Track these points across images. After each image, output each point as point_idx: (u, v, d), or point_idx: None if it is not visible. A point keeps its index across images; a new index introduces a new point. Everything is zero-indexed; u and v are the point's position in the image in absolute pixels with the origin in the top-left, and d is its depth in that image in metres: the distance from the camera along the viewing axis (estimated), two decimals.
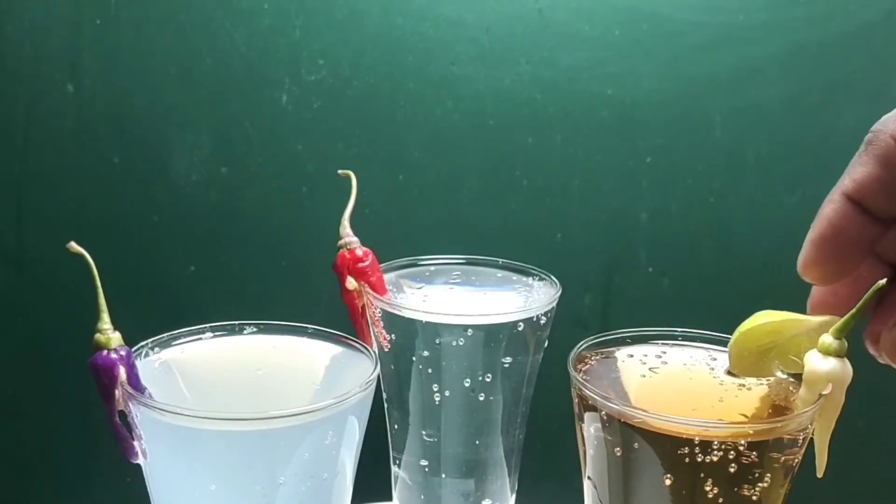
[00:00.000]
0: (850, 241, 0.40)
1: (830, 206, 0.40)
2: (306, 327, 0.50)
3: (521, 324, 0.53)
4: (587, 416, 0.46)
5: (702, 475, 0.42)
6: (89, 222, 0.75)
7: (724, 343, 0.50)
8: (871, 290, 0.39)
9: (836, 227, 0.40)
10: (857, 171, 0.39)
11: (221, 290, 0.77)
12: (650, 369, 0.50)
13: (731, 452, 0.42)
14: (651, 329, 0.51)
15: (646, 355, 0.51)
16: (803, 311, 0.44)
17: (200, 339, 0.49)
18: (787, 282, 0.77)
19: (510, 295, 0.59)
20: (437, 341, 0.52)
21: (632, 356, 0.51)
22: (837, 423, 0.43)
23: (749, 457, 0.42)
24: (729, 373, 0.47)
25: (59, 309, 0.76)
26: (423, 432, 0.55)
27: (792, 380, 0.46)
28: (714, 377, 0.49)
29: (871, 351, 0.41)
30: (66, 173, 0.74)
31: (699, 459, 0.42)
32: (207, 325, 0.49)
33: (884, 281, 0.39)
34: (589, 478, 0.48)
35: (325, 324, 0.50)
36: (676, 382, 0.49)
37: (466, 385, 0.53)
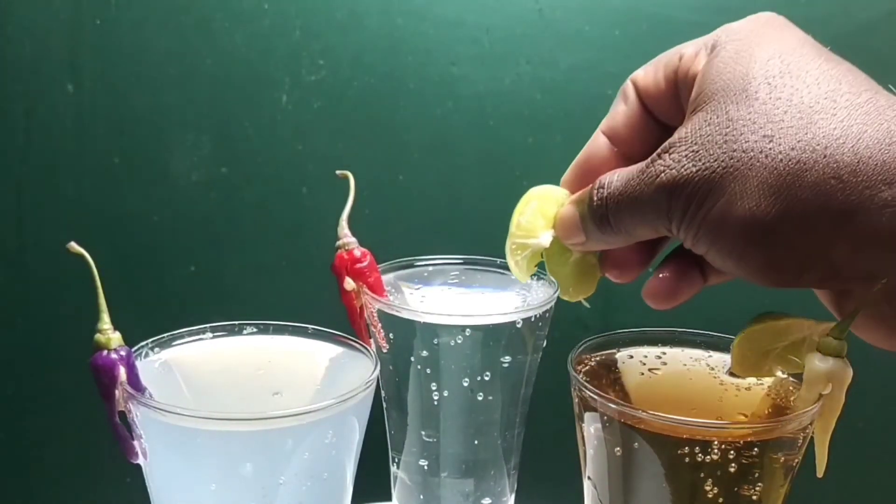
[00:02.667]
0: (595, 169, 0.47)
1: (590, 139, 0.49)
2: (306, 327, 0.50)
3: (519, 323, 0.53)
4: (587, 416, 0.46)
5: (702, 475, 0.42)
6: (89, 222, 0.75)
7: (723, 343, 0.50)
8: (871, 291, 0.39)
9: (587, 154, 0.49)
10: (610, 109, 0.48)
11: (221, 290, 0.77)
12: (650, 370, 0.50)
13: (731, 452, 0.42)
14: (651, 329, 0.51)
15: (646, 356, 0.51)
16: (804, 312, 0.44)
17: (200, 339, 0.49)
18: None
19: (508, 295, 0.59)
20: (436, 341, 0.52)
21: (632, 356, 0.51)
22: (837, 423, 0.43)
23: (749, 457, 0.42)
24: (730, 373, 0.47)
25: (59, 309, 0.76)
26: (422, 432, 0.55)
27: (792, 380, 0.46)
28: (714, 377, 0.49)
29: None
30: (66, 173, 0.74)
31: (699, 459, 0.42)
32: (207, 325, 0.49)
33: (884, 280, 0.39)
34: (589, 478, 0.48)
35: (325, 324, 0.50)
36: (676, 382, 0.49)
37: (465, 385, 0.53)
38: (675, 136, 0.41)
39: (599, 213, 0.44)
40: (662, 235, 0.44)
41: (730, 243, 0.39)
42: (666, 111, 0.46)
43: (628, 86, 0.48)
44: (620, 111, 0.48)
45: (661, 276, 0.48)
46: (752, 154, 0.38)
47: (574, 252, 0.51)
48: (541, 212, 0.50)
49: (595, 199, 0.45)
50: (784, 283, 0.40)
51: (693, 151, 0.40)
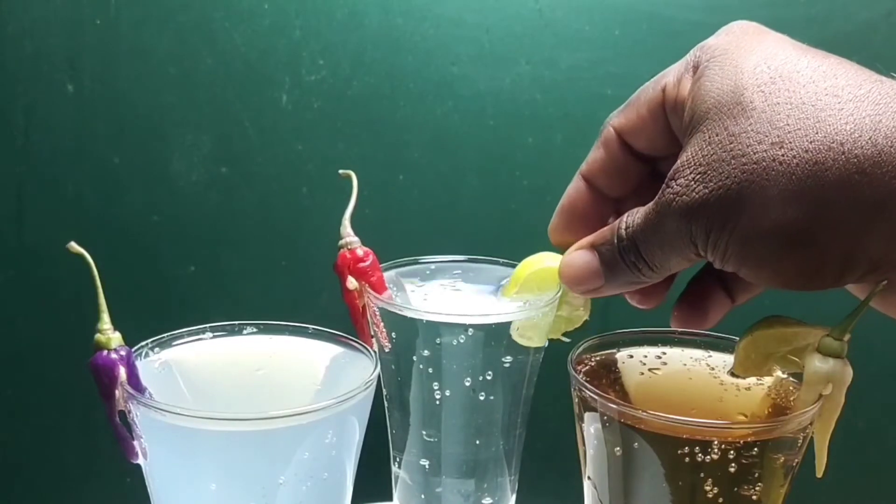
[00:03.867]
0: (582, 213, 0.49)
1: (571, 184, 0.49)
2: (306, 327, 0.50)
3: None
4: (587, 416, 0.46)
5: (702, 475, 0.42)
6: (89, 222, 0.75)
7: (723, 344, 0.50)
8: (871, 292, 0.39)
9: (572, 200, 0.49)
10: (589, 155, 0.48)
11: (221, 290, 0.77)
12: (650, 369, 0.50)
13: (731, 452, 0.42)
14: (651, 329, 0.51)
15: (646, 355, 0.51)
16: (804, 312, 0.44)
17: (200, 339, 0.49)
18: None
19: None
20: (438, 341, 0.52)
21: (632, 356, 0.51)
22: (837, 424, 0.43)
23: (749, 457, 0.42)
24: (731, 373, 0.47)
25: (59, 309, 0.76)
26: (424, 432, 0.55)
27: (792, 380, 0.46)
28: (714, 377, 0.49)
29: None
30: (66, 173, 0.74)
31: (699, 459, 0.42)
32: (207, 325, 0.49)
33: (884, 282, 0.39)
34: (589, 478, 0.48)
35: (325, 324, 0.50)
36: (676, 382, 0.49)
37: (467, 385, 0.53)
38: (679, 161, 0.40)
39: (631, 252, 0.43)
40: (695, 262, 0.43)
41: (762, 257, 0.38)
42: (659, 147, 0.46)
43: (609, 131, 0.47)
44: (600, 156, 0.47)
45: (688, 301, 0.47)
46: (764, 164, 0.37)
47: (561, 308, 0.52)
48: (526, 289, 0.52)
49: (625, 238, 0.44)
50: (825, 287, 0.39)
51: (700, 173, 0.39)
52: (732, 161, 0.38)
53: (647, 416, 0.42)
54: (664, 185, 0.41)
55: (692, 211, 0.39)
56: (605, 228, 0.46)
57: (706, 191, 0.38)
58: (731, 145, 0.38)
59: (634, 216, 0.43)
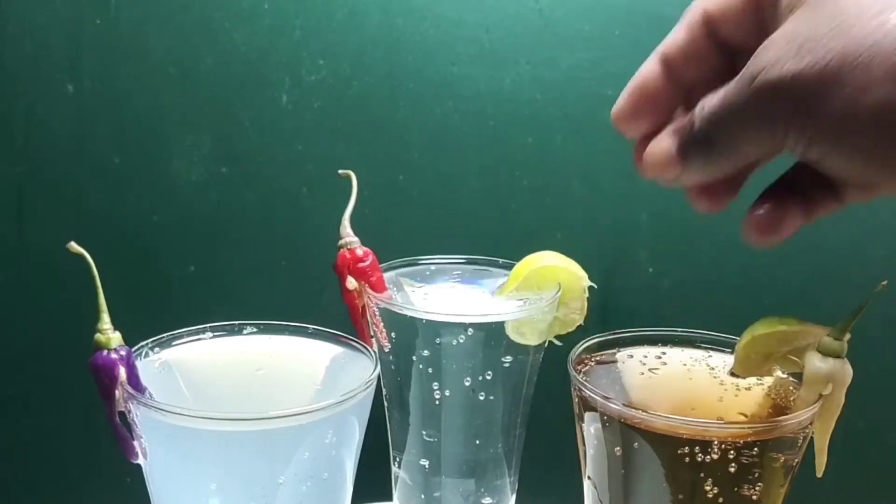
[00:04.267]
0: (651, 95, 0.44)
1: (645, 63, 0.45)
2: (306, 327, 0.50)
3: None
4: (587, 416, 0.46)
5: (702, 475, 0.42)
6: (89, 222, 0.75)
7: (723, 343, 0.50)
8: (871, 293, 0.39)
9: (643, 80, 0.45)
10: (669, 35, 0.44)
11: (221, 290, 0.77)
12: (650, 369, 0.50)
13: (731, 452, 0.42)
14: (651, 329, 0.51)
15: (646, 355, 0.51)
16: (804, 313, 0.44)
17: (200, 339, 0.49)
18: (787, 282, 0.77)
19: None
20: (438, 341, 0.52)
21: (632, 356, 0.51)
22: (837, 424, 0.43)
23: (749, 457, 0.42)
24: (731, 373, 0.47)
25: (59, 309, 0.76)
26: (424, 432, 0.55)
27: (792, 380, 0.46)
28: (714, 377, 0.49)
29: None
30: (66, 173, 0.74)
31: (699, 459, 0.42)
32: (207, 325, 0.49)
33: (885, 282, 0.39)
34: (589, 478, 0.48)
35: (325, 324, 0.50)
36: (676, 382, 0.49)
37: (467, 384, 0.53)
38: (773, 35, 0.37)
39: (704, 133, 0.40)
40: (769, 151, 0.40)
41: (856, 144, 0.35)
42: (744, 34, 0.42)
43: (695, 11, 0.43)
44: (681, 37, 0.44)
45: (763, 208, 0.44)
46: (872, 39, 0.34)
47: (558, 312, 0.53)
48: (526, 286, 0.53)
49: (701, 118, 0.41)
50: None
51: (797, 45, 0.36)
52: (836, 37, 0.35)
53: (647, 416, 0.42)
54: (750, 60, 0.38)
55: (780, 86, 0.36)
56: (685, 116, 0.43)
57: (800, 65, 0.35)
58: (836, 20, 0.35)
59: (713, 96, 0.40)
